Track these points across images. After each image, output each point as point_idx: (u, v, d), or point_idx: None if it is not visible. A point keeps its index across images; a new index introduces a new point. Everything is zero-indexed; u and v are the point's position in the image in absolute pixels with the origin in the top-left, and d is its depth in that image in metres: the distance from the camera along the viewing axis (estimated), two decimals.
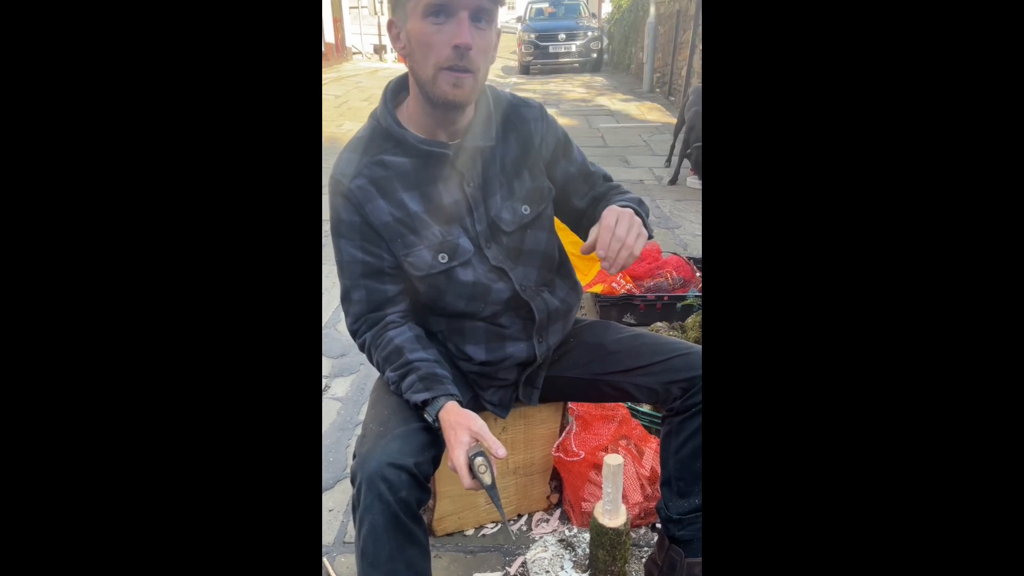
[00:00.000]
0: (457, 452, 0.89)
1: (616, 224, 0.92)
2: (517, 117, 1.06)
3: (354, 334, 1.08)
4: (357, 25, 15.87)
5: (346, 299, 1.07)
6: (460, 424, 0.91)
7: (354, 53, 15.53)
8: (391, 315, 1.06)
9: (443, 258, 1.03)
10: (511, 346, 1.12)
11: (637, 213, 1.00)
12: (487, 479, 0.87)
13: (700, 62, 6.95)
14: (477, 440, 0.90)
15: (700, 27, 6.93)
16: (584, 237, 1.18)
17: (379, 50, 15.00)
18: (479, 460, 0.87)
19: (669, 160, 4.71)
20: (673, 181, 4.36)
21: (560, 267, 1.17)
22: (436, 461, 0.97)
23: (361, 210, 1.00)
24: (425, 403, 0.96)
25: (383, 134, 1.01)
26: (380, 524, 0.87)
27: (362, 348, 1.08)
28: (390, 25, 0.96)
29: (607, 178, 1.20)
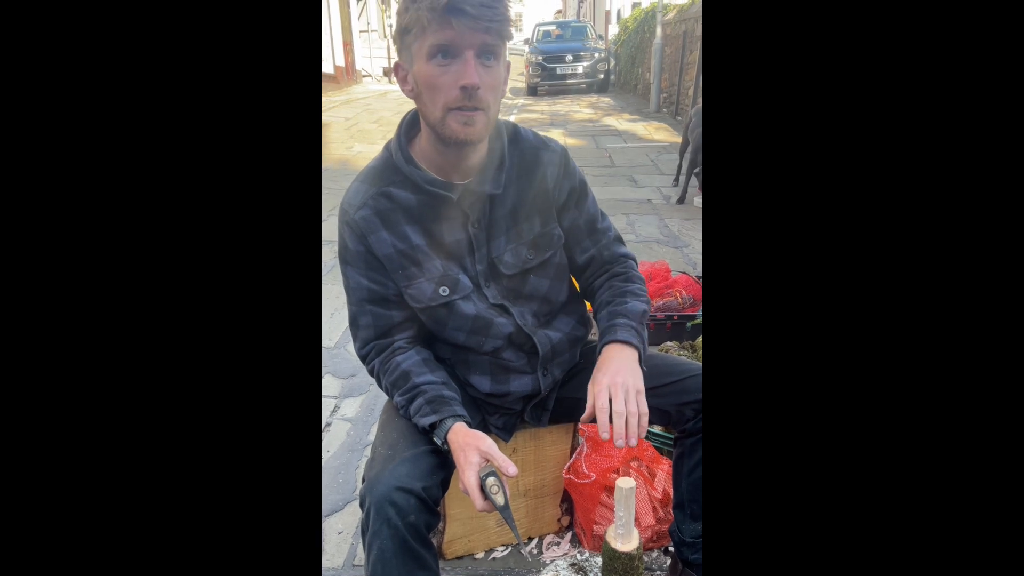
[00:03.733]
0: (468, 473, 0.88)
1: (612, 402, 0.91)
2: (535, 159, 1.04)
3: (363, 359, 1.08)
4: (367, 48, 16.13)
5: (354, 324, 1.07)
6: (469, 444, 0.90)
7: (364, 76, 15.76)
8: (399, 341, 1.06)
9: (444, 291, 1.03)
10: (516, 380, 1.12)
11: (637, 332, 1.01)
12: (500, 499, 0.86)
13: None
14: (487, 460, 0.89)
15: None
16: (582, 292, 1.19)
17: (388, 72, 15.21)
18: (491, 480, 0.86)
19: (677, 179, 4.73)
20: (681, 200, 4.37)
21: (564, 306, 1.16)
22: (445, 484, 0.97)
23: (365, 240, 1.00)
24: (433, 426, 0.95)
25: (393, 167, 1.01)
26: (389, 549, 0.87)
27: (371, 374, 1.08)
28: (396, 68, 0.95)
29: (619, 240, 1.16)
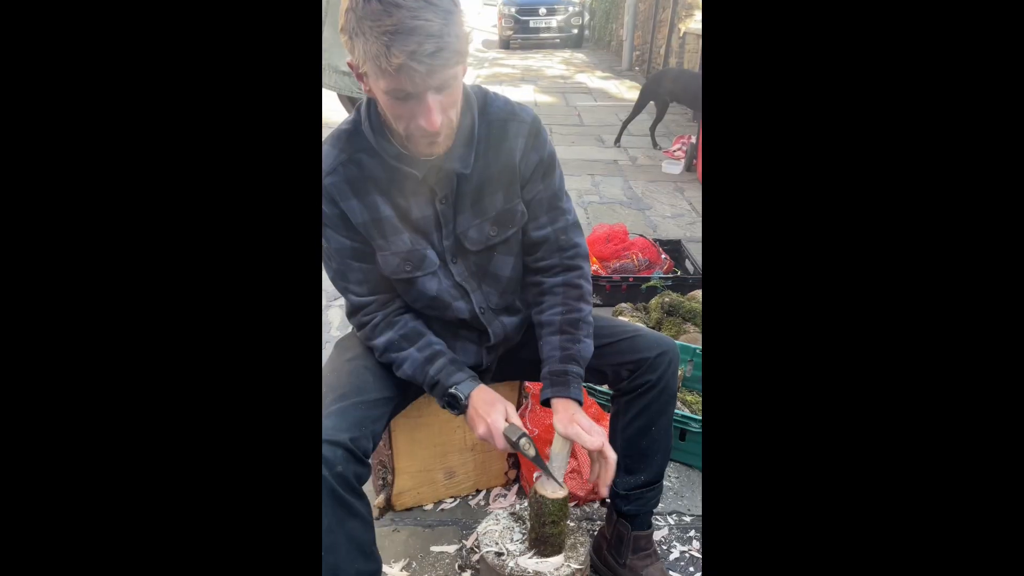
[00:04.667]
0: (495, 417, 1.01)
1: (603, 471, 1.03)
2: (502, 132, 1.01)
3: (360, 309, 1.08)
4: None
5: (342, 279, 1.07)
6: (496, 399, 1.03)
7: None
8: (398, 300, 1.09)
9: (407, 267, 1.04)
10: (461, 348, 1.15)
11: (580, 382, 1.07)
12: (531, 452, 1.02)
13: (678, 41, 6.94)
14: (509, 421, 1.02)
15: (678, 6, 6.90)
16: (525, 268, 1.15)
17: None
18: (524, 441, 1.01)
19: (619, 139, 4.97)
20: (617, 141, 4.88)
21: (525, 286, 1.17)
22: (376, 437, 1.00)
23: (338, 205, 1.00)
24: (456, 384, 1.04)
25: (362, 134, 0.99)
26: None
27: (363, 326, 1.09)
28: (351, 66, 0.89)
29: (577, 226, 1.13)
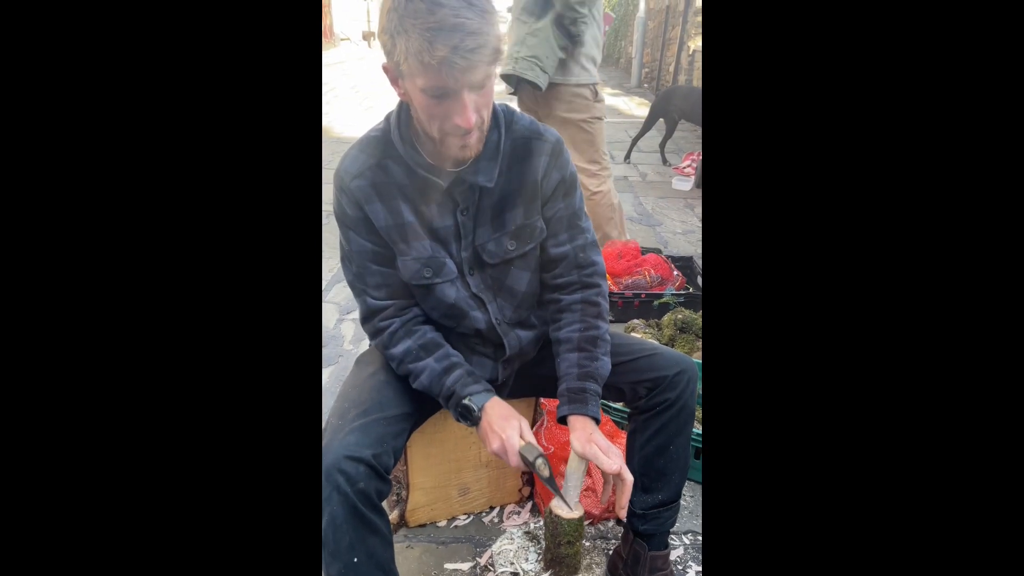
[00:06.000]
0: (510, 433, 0.99)
1: (622, 493, 1.02)
2: (526, 150, 1.04)
3: (376, 313, 1.08)
4: (345, 10, 15.68)
5: (360, 282, 1.07)
6: (512, 414, 1.02)
7: (342, 39, 15.36)
8: (416, 307, 1.09)
9: (427, 273, 1.05)
10: (478, 362, 1.15)
11: (599, 400, 1.07)
12: (546, 472, 1.00)
13: (687, 59, 6.99)
14: (524, 439, 1.01)
15: (687, 24, 6.96)
16: (543, 285, 1.17)
17: (367, 36, 14.84)
18: (540, 461, 1.00)
19: (629, 155, 4.98)
20: (627, 158, 4.94)
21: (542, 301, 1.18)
22: (397, 453, 1.00)
23: (362, 208, 1.02)
24: (471, 395, 1.03)
25: (391, 141, 1.01)
26: (340, 515, 0.90)
27: (379, 332, 1.08)
28: (386, 69, 0.92)
29: (595, 245, 1.14)
